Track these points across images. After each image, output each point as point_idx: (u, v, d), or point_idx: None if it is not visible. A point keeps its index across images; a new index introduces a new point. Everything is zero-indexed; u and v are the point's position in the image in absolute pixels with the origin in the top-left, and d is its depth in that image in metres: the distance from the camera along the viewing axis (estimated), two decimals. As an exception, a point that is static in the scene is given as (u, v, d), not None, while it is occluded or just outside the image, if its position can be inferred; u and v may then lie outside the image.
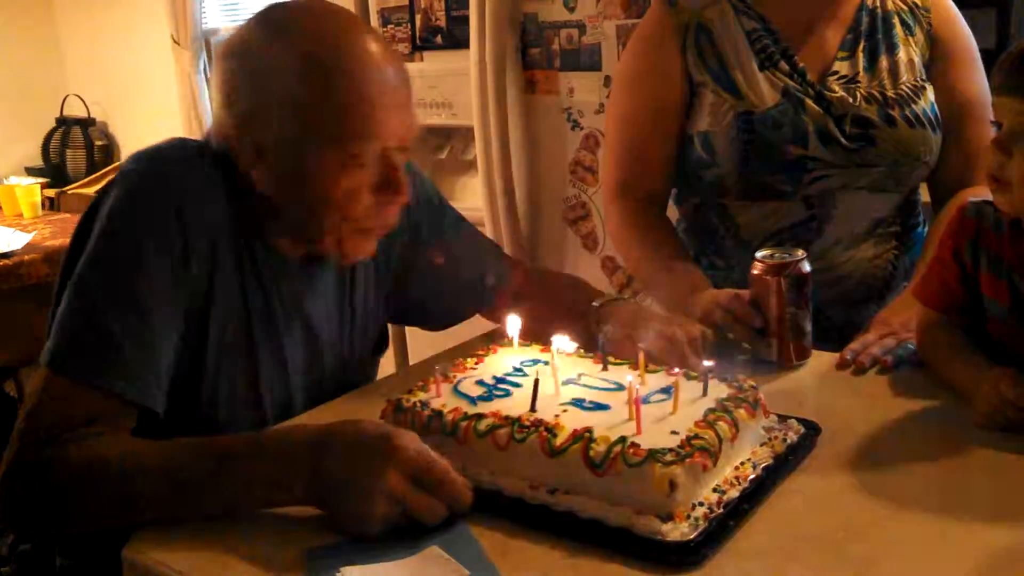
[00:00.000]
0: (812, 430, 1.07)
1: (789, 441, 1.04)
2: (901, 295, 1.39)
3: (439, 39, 2.68)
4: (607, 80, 2.36)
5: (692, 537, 0.87)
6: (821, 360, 1.28)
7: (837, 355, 1.27)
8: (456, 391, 1.10)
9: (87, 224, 1.11)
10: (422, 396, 1.09)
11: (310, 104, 1.07)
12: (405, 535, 0.91)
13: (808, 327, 1.27)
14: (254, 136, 1.10)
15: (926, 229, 1.56)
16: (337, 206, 1.10)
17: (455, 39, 2.62)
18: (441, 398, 1.08)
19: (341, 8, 1.17)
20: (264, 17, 1.13)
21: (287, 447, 0.97)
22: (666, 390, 1.03)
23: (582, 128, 2.44)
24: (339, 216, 1.11)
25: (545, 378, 1.08)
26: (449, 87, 2.66)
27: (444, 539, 0.91)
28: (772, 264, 1.25)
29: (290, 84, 1.07)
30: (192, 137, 1.21)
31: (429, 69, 2.71)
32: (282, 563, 0.90)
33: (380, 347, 1.40)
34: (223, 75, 1.12)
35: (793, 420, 1.08)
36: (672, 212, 1.63)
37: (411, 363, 2.47)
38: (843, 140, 1.44)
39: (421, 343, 2.85)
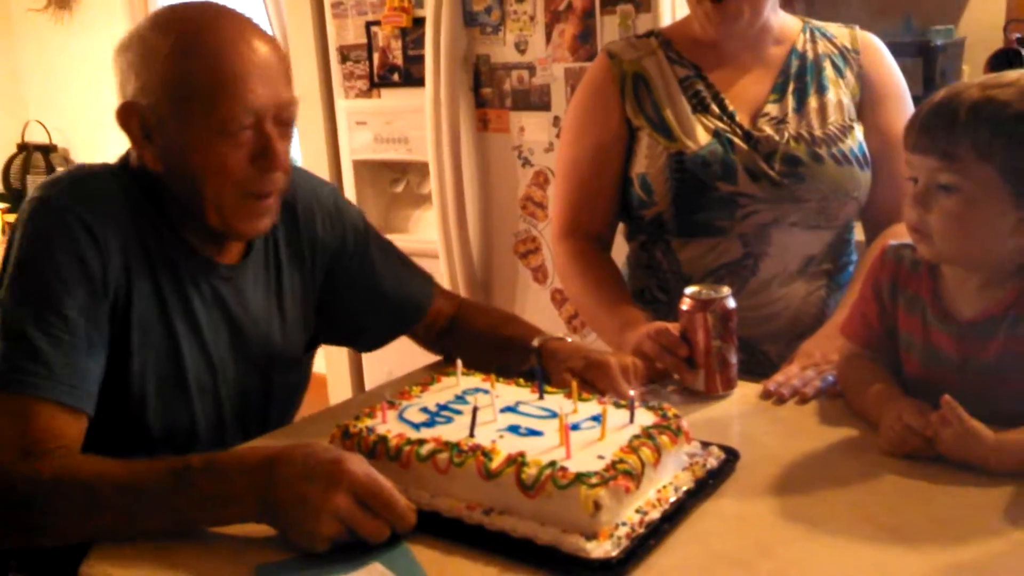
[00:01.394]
0: (732, 456, 1.15)
1: (709, 466, 1.12)
2: (824, 327, 1.47)
3: (396, 77, 2.75)
4: (556, 120, 2.45)
5: (614, 555, 0.94)
6: (746, 390, 1.37)
7: (760, 386, 1.36)
8: (401, 418, 1.17)
9: (8, 251, 1.18)
10: (368, 422, 1.15)
11: (182, 80, 1.16)
12: (350, 552, 0.98)
13: (733, 359, 1.35)
14: (141, 118, 1.19)
15: None
16: (215, 176, 1.18)
17: (411, 78, 2.70)
18: (386, 424, 1.15)
19: (225, 6, 1.25)
20: (151, 14, 1.24)
21: (241, 466, 1.03)
22: (596, 418, 1.10)
23: (532, 165, 2.53)
24: (219, 186, 1.18)
25: (485, 406, 1.15)
26: (405, 123, 2.73)
27: (386, 557, 0.97)
28: (699, 300, 1.33)
29: (165, 63, 1.16)
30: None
31: (386, 106, 2.78)
32: (232, 578, 0.96)
33: (312, 345, 1.46)
34: (117, 70, 1.22)
35: (715, 447, 1.16)
36: (623, 247, 1.72)
37: (367, 389, 2.53)
38: (775, 175, 1.52)
39: (376, 372, 2.91)
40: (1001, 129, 1.09)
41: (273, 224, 1.28)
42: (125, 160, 1.27)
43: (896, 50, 2.33)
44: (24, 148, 4.07)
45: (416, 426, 1.14)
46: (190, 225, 1.25)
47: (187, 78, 1.16)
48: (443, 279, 2.63)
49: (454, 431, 1.11)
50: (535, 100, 2.49)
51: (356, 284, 1.45)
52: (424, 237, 2.74)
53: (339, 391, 3.01)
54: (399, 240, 2.80)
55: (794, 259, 1.56)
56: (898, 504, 1.05)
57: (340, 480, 0.97)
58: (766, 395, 1.33)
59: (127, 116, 1.20)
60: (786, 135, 1.54)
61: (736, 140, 1.54)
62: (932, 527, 1.00)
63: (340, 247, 1.43)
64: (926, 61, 2.34)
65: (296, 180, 1.37)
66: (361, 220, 1.49)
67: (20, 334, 1.10)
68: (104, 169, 1.25)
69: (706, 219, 1.54)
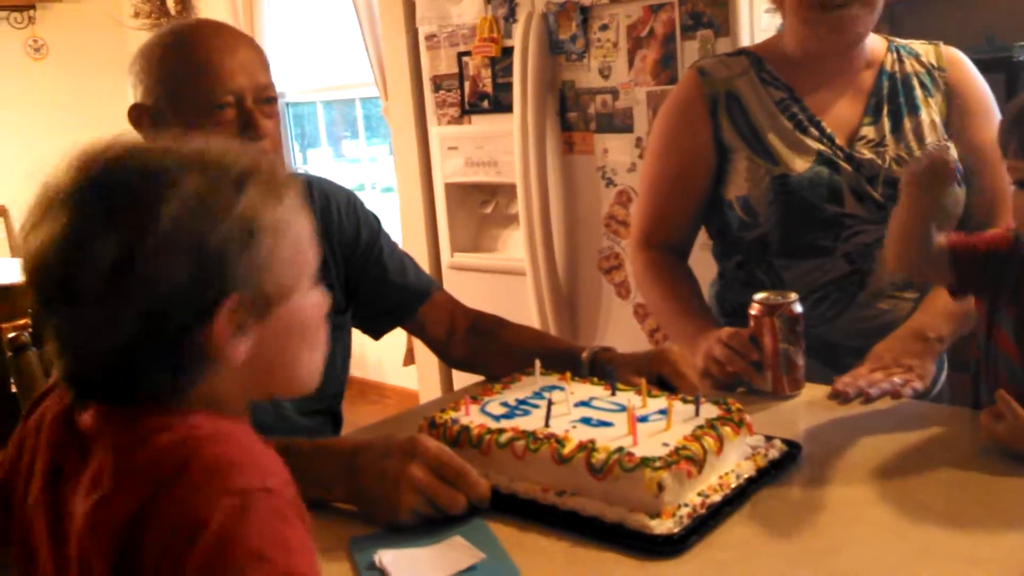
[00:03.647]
0: (794, 448, 1.21)
1: (771, 457, 1.18)
2: (897, 331, 1.48)
3: (486, 104, 2.89)
4: (638, 141, 2.53)
5: (676, 532, 1.02)
6: (813, 391, 1.42)
7: (829, 387, 1.41)
8: (483, 411, 1.27)
9: None
10: (453, 414, 1.26)
11: (172, 75, 1.36)
12: (433, 528, 1.08)
13: (800, 361, 1.41)
14: (150, 117, 1.38)
15: None
16: None
17: (500, 104, 2.83)
18: (469, 416, 1.25)
19: (211, 19, 1.49)
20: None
21: (331, 453, 1.15)
22: (663, 411, 1.18)
23: (616, 185, 2.62)
24: None
25: (561, 401, 1.25)
26: (495, 147, 2.86)
27: (465, 531, 1.07)
28: (767, 305, 1.40)
29: (159, 65, 1.37)
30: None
31: (477, 131, 2.92)
32: (329, 545, 1.06)
33: (344, 311, 1.58)
34: (129, 81, 1.41)
35: (777, 440, 1.22)
36: (710, 264, 1.76)
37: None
38: (876, 198, 1.53)
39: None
40: None
41: None
42: None
43: (979, 67, 2.36)
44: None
45: (496, 418, 1.24)
46: None
47: (175, 72, 1.35)
48: (530, 295, 2.74)
49: (531, 422, 1.20)
50: (618, 123, 2.58)
51: (368, 272, 1.58)
52: (512, 255, 2.86)
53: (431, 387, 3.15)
54: (488, 258, 2.97)
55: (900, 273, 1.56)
56: (952, 492, 1.10)
57: (415, 454, 1.08)
58: (832, 396, 1.38)
59: (137, 116, 1.39)
60: (887, 158, 1.55)
61: (840, 162, 1.54)
62: (984, 515, 1.04)
63: (355, 237, 1.57)
64: (1009, 77, 2.34)
65: (313, 180, 1.57)
66: (375, 220, 1.63)
67: None
68: None
69: (811, 240, 1.55)
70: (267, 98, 1.38)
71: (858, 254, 1.56)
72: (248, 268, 0.75)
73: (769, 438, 1.22)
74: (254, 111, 1.36)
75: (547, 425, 1.19)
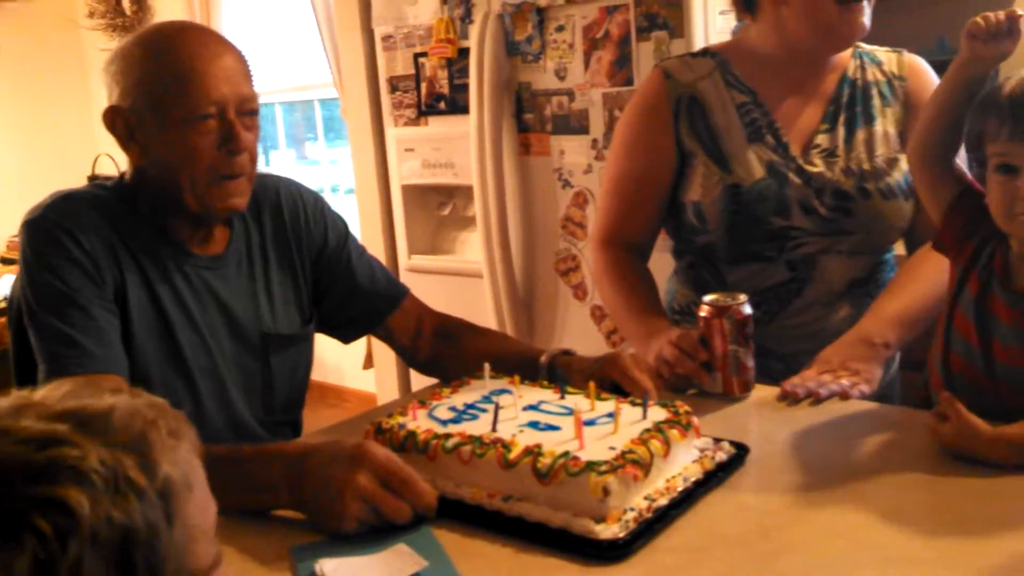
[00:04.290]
0: (742, 451, 1.21)
1: (719, 459, 1.18)
2: (845, 335, 1.49)
3: (442, 105, 2.87)
4: (594, 143, 2.53)
5: (621, 536, 1.01)
6: (763, 393, 1.42)
7: (778, 389, 1.41)
8: (430, 416, 1.25)
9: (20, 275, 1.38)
10: (400, 419, 1.24)
11: (154, 80, 1.33)
12: (376, 534, 1.06)
13: (750, 363, 1.41)
14: (124, 120, 1.35)
15: None
16: (188, 161, 1.33)
17: (457, 105, 2.81)
18: (417, 421, 1.24)
19: (194, 22, 1.44)
20: (133, 33, 1.43)
21: (275, 459, 1.13)
22: (611, 414, 1.17)
23: (572, 187, 2.61)
24: (193, 171, 1.33)
25: (509, 405, 1.23)
26: (451, 149, 2.84)
27: (409, 538, 1.06)
28: (716, 306, 1.40)
29: (139, 68, 1.33)
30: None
31: (433, 133, 2.90)
32: (270, 555, 1.05)
33: (310, 321, 1.57)
34: (104, 82, 1.39)
35: (725, 442, 1.22)
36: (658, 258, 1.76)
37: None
38: (822, 211, 1.54)
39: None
40: None
41: (249, 207, 1.44)
42: (120, 178, 1.44)
43: (944, 66, 2.38)
44: (95, 180, 4.28)
45: (444, 422, 1.22)
46: (175, 222, 1.40)
47: (158, 78, 1.32)
48: (487, 297, 2.73)
49: (478, 427, 1.19)
50: (574, 124, 2.58)
51: (336, 277, 1.57)
52: (469, 258, 2.84)
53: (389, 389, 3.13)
54: (446, 261, 2.95)
55: (839, 283, 1.58)
56: (898, 493, 1.10)
57: (362, 462, 1.06)
58: (781, 397, 1.39)
59: (112, 119, 1.36)
60: (836, 169, 1.55)
61: (790, 175, 1.54)
62: (930, 515, 1.05)
63: (323, 242, 1.56)
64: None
65: (281, 183, 1.56)
66: (343, 223, 1.62)
67: (50, 331, 1.28)
68: (82, 188, 1.43)
69: (757, 249, 1.57)
70: (250, 110, 1.36)
71: (800, 262, 1.57)
72: (175, 553, 0.63)
73: (718, 440, 1.22)
74: (236, 123, 1.33)
75: (494, 430, 1.18)
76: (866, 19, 1.50)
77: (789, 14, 1.53)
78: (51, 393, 0.65)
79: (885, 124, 1.58)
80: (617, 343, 2.46)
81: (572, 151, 2.59)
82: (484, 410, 1.24)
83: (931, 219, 1.52)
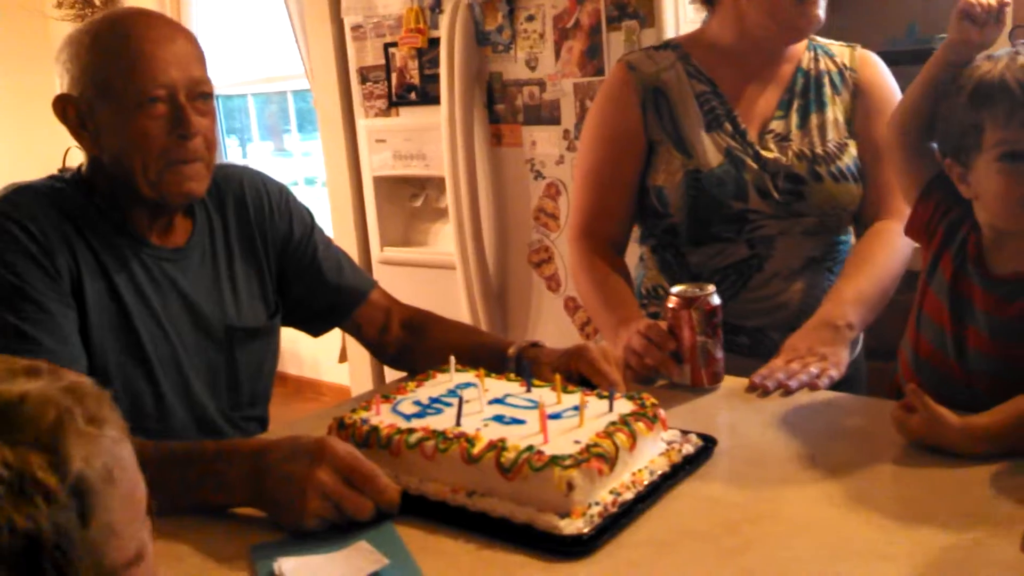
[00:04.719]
0: (709, 443, 1.20)
1: (686, 452, 1.17)
2: (810, 320, 1.50)
3: (413, 96, 2.84)
4: (566, 133, 2.51)
5: (585, 532, 1.00)
6: (732, 384, 1.41)
7: (747, 380, 1.40)
8: (394, 410, 1.23)
9: None
10: (363, 414, 1.22)
11: (102, 65, 1.30)
12: (339, 532, 1.04)
13: (719, 354, 1.40)
14: (76, 109, 1.32)
15: None
16: (140, 148, 1.30)
17: (428, 96, 2.79)
18: (380, 416, 1.21)
19: (144, 8, 1.43)
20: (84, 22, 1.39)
21: (234, 455, 1.10)
22: (577, 407, 1.16)
23: (544, 178, 2.60)
24: (145, 157, 1.31)
25: (474, 399, 1.21)
26: (423, 140, 2.82)
27: (371, 535, 1.03)
28: (684, 297, 1.39)
29: (87, 54, 1.31)
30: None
31: (404, 124, 2.87)
32: (229, 554, 1.02)
33: (275, 314, 1.54)
34: (56, 71, 1.36)
35: (693, 434, 1.21)
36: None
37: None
38: (776, 194, 1.58)
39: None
40: None
41: (212, 198, 1.43)
42: (77, 170, 1.40)
43: (899, 58, 2.38)
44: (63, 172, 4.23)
45: (407, 417, 1.20)
46: (135, 213, 1.37)
47: (105, 63, 1.29)
48: (460, 289, 2.71)
49: (442, 421, 1.17)
50: (546, 115, 2.56)
51: (302, 270, 1.54)
52: (442, 249, 2.82)
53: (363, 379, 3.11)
54: (418, 252, 2.93)
55: (797, 260, 1.61)
56: (866, 486, 1.09)
57: (322, 457, 1.04)
58: (751, 388, 1.38)
59: (62, 108, 1.33)
60: (790, 153, 1.59)
61: (747, 160, 1.59)
62: (898, 508, 1.04)
63: (288, 233, 1.53)
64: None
65: (245, 174, 1.53)
66: (309, 215, 1.59)
67: (2, 325, 1.24)
68: (36, 181, 1.39)
69: (717, 231, 1.60)
70: (202, 93, 1.33)
71: (758, 241, 1.61)
72: (89, 553, 0.60)
73: (685, 432, 1.21)
74: (186, 107, 1.30)
75: (458, 424, 1.16)
76: (821, 11, 1.55)
77: (747, 6, 1.58)
78: None
79: (835, 111, 1.63)
80: (591, 335, 2.44)
81: (544, 142, 2.58)
82: (449, 404, 1.22)
83: (877, 200, 1.61)
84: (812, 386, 1.36)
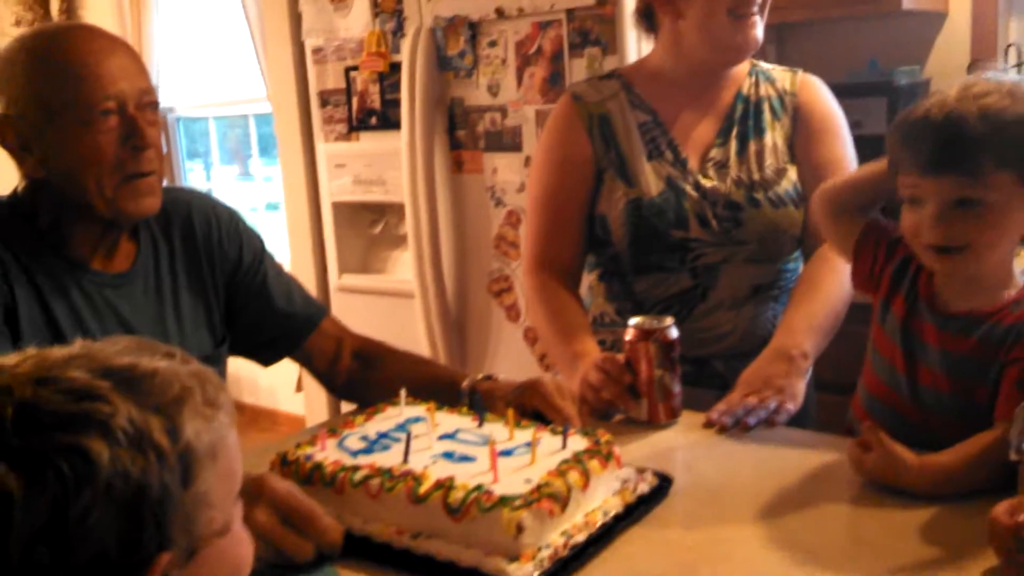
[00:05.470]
0: (665, 482, 1.16)
1: (640, 491, 1.13)
2: (763, 353, 1.47)
3: (374, 120, 2.81)
4: (527, 160, 2.49)
5: (535, 576, 0.96)
6: (690, 419, 1.38)
7: (704, 415, 1.37)
8: (340, 446, 1.19)
9: None
10: (307, 450, 1.17)
11: (43, 82, 1.25)
12: (278, 574, 0.99)
13: (676, 389, 1.37)
14: (15, 130, 1.26)
15: None
16: (92, 163, 1.25)
17: (389, 121, 2.75)
18: (325, 452, 1.17)
19: (79, 22, 1.35)
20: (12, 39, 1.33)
21: None
22: (529, 444, 1.12)
23: (505, 205, 2.57)
24: (99, 173, 1.26)
25: (423, 434, 1.17)
26: (383, 166, 2.78)
27: (311, 579, 0.99)
28: (642, 330, 1.36)
29: (25, 73, 1.25)
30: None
31: (365, 149, 2.83)
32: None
33: (222, 343, 1.49)
34: None
35: (649, 472, 1.17)
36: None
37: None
38: (715, 222, 1.57)
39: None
40: (1014, 136, 1.10)
41: (158, 222, 1.39)
42: (12, 193, 1.35)
43: (861, 90, 2.39)
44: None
45: (354, 453, 1.16)
46: (78, 236, 1.32)
47: (48, 81, 1.24)
48: (418, 318, 2.66)
49: (390, 458, 1.13)
50: (507, 141, 2.54)
51: (251, 297, 1.50)
52: (401, 277, 2.78)
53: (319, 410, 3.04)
54: (377, 280, 2.88)
55: (741, 288, 1.60)
56: (823, 527, 1.06)
57: (260, 496, 0.99)
58: (708, 424, 1.35)
59: (1, 131, 1.27)
60: (728, 180, 1.59)
61: (687, 188, 1.59)
62: (855, 549, 1.01)
63: (237, 260, 1.49)
64: (890, 100, 2.38)
65: (194, 198, 1.49)
66: (259, 240, 1.55)
67: None
68: None
69: (659, 260, 1.60)
70: (150, 103, 1.29)
71: (702, 270, 1.59)
72: (184, 514, 0.68)
73: (641, 470, 1.17)
74: (138, 117, 1.27)
75: (406, 461, 1.11)
76: (758, 33, 1.56)
77: (686, 28, 1.58)
78: (106, 347, 0.71)
79: (775, 136, 1.63)
80: (550, 366, 2.41)
81: (505, 169, 2.55)
82: (398, 439, 1.18)
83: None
84: (770, 422, 1.34)
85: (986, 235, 1.13)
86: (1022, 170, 1.11)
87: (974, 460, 1.08)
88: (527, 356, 2.52)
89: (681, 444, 1.33)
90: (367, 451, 1.16)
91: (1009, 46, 2.58)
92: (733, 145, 1.62)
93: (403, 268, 2.81)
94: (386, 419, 1.26)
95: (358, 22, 2.78)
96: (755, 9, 1.54)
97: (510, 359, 2.53)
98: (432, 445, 1.16)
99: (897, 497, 1.08)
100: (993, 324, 1.16)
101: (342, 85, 2.86)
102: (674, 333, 1.36)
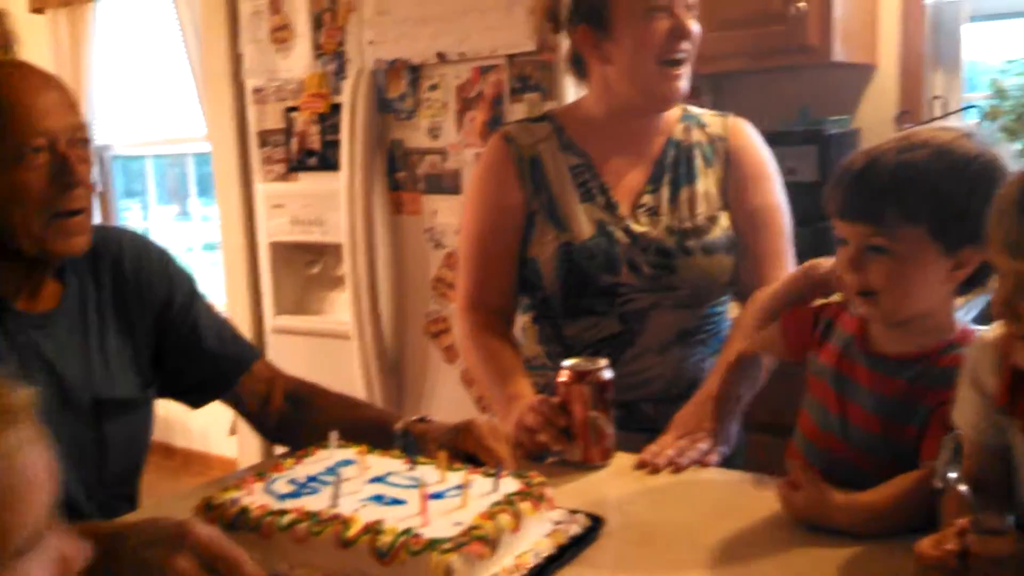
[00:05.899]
0: (596, 523, 1.16)
1: (572, 533, 1.12)
2: (696, 396, 1.49)
3: (313, 161, 2.80)
4: (467, 203, 2.50)
5: (463, 621, 0.94)
6: (623, 461, 1.38)
7: (637, 457, 1.37)
8: (267, 490, 1.16)
9: None
10: (234, 494, 1.15)
11: None
12: (197, 624, 0.96)
13: (610, 430, 1.37)
14: None
15: None
16: (19, 202, 1.23)
17: (328, 162, 2.75)
18: (252, 496, 1.14)
19: (10, 58, 1.34)
20: None
21: (87, 539, 1.01)
22: (461, 487, 1.11)
23: (444, 247, 2.57)
24: (26, 212, 1.24)
25: (353, 477, 1.15)
26: (322, 206, 2.77)
27: (233, 627, 0.96)
28: (576, 372, 1.36)
29: None
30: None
31: (304, 189, 2.82)
32: (70, 652, 0.93)
33: (150, 385, 1.46)
34: None
35: (581, 514, 1.17)
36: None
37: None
38: (647, 268, 1.57)
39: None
40: (924, 192, 1.12)
41: (87, 261, 1.35)
42: None
43: (793, 139, 2.45)
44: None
45: (281, 497, 1.13)
46: (2, 276, 1.29)
47: None
48: (355, 359, 2.64)
49: (318, 502, 1.11)
50: (447, 184, 2.54)
51: (181, 339, 1.47)
52: (339, 318, 2.76)
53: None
54: (314, 321, 2.85)
55: (669, 333, 1.60)
56: (753, 566, 1.06)
57: (183, 542, 0.97)
58: (641, 465, 1.35)
59: None
60: (660, 227, 1.59)
61: (618, 233, 1.59)
62: (784, 590, 1.02)
63: (167, 301, 1.46)
64: (820, 148, 2.44)
65: (124, 236, 1.46)
66: (190, 281, 1.52)
67: None
68: None
69: (589, 305, 1.60)
70: (81, 139, 1.27)
71: (631, 315, 1.60)
72: None
73: (574, 512, 1.17)
74: (69, 155, 1.24)
75: (334, 505, 1.09)
76: (683, 81, 1.58)
77: (614, 74, 1.59)
78: None
79: (707, 183, 1.63)
80: (488, 408, 2.40)
81: (444, 211, 2.55)
82: (327, 482, 1.16)
83: (753, 268, 1.62)
84: (702, 463, 1.34)
85: (898, 284, 1.16)
86: (933, 224, 1.13)
87: (900, 498, 1.10)
88: (465, 398, 2.51)
89: (614, 485, 1.33)
90: (295, 495, 1.14)
91: (935, 98, 2.67)
92: (665, 191, 1.63)
93: (340, 309, 2.79)
94: (316, 462, 1.24)
95: (299, 63, 2.79)
96: (681, 57, 1.56)
97: (448, 401, 2.52)
98: (362, 488, 1.14)
99: (826, 536, 1.09)
100: (924, 367, 1.18)
101: (282, 125, 2.85)
102: (607, 375, 1.37)
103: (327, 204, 2.73)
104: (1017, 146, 2.50)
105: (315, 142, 2.79)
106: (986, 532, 0.91)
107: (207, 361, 1.48)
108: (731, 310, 1.69)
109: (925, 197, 1.12)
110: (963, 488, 0.96)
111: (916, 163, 1.13)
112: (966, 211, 1.11)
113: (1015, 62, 2.57)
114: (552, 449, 1.39)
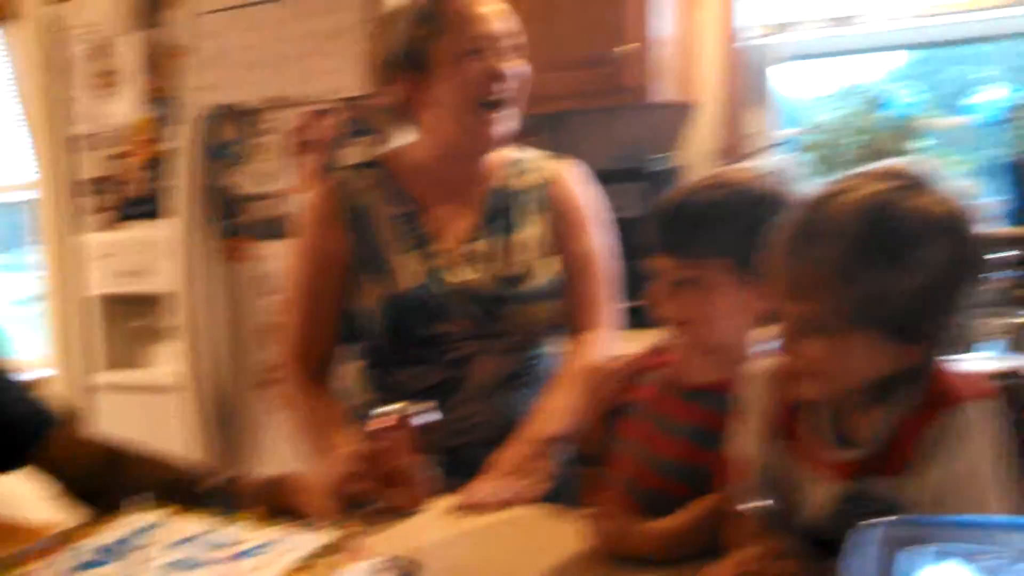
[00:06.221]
0: (413, 569, 1.16)
1: (388, 582, 1.12)
2: (515, 436, 1.51)
3: (142, 209, 2.72)
4: (300, 249, 2.47)
5: None
6: (445, 505, 1.39)
7: (457, 499, 1.39)
8: (69, 558, 1.11)
9: None
10: (25, 568, 1.09)
11: None
12: None
13: (430, 474, 1.38)
14: None
15: None
16: None
17: (158, 209, 2.67)
18: (52, 566, 1.09)
19: None
20: None
21: None
22: (272, 543, 1.09)
23: (278, 293, 2.53)
24: None
25: (158, 542, 1.12)
26: (151, 255, 2.68)
27: None
28: (394, 417, 1.36)
29: None
30: None
31: (132, 237, 2.73)
32: None
33: None
34: None
35: (400, 560, 1.16)
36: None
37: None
38: (472, 317, 1.58)
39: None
40: (725, 227, 1.20)
41: None
42: None
43: (618, 176, 2.54)
44: None
45: (83, 567, 1.09)
46: None
47: None
48: (187, 411, 2.56)
49: (120, 570, 1.07)
50: (281, 229, 2.51)
51: None
52: (170, 370, 2.67)
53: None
54: (144, 374, 2.75)
55: (495, 378, 1.61)
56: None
57: None
58: (460, 508, 1.36)
59: None
60: (484, 274, 1.60)
61: (443, 281, 1.59)
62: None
63: None
64: (645, 186, 2.55)
65: None
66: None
67: None
68: None
69: (416, 354, 1.59)
70: None
71: (457, 362, 1.60)
72: None
73: (391, 559, 1.16)
74: None
75: (134, 574, 1.06)
76: (505, 124, 1.58)
77: (437, 118, 1.59)
78: None
79: (531, 230, 1.64)
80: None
81: (279, 256, 2.52)
82: (136, 547, 1.12)
83: (577, 314, 1.65)
84: (520, 502, 1.37)
85: (707, 313, 1.22)
86: (737, 258, 1.20)
87: (697, 522, 1.14)
88: (301, 446, 2.47)
89: (434, 529, 1.33)
90: (98, 564, 1.10)
91: (751, 134, 2.82)
92: (489, 239, 1.63)
93: (172, 361, 2.70)
94: (119, 528, 1.20)
95: (128, 108, 2.71)
96: (499, 99, 1.56)
97: (283, 451, 2.47)
98: (165, 553, 1.11)
99: (635, 565, 1.13)
100: (727, 395, 1.24)
101: (110, 172, 2.75)
102: (426, 419, 1.38)
103: (157, 252, 2.65)
104: (832, 176, 2.66)
105: (144, 189, 2.71)
106: (775, 556, 0.97)
107: (5, 424, 1.41)
108: (559, 345, 1.72)
109: (727, 232, 1.20)
110: (754, 510, 1.02)
111: (718, 201, 1.21)
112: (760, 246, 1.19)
113: (829, 98, 2.75)
114: (372, 497, 1.38)
